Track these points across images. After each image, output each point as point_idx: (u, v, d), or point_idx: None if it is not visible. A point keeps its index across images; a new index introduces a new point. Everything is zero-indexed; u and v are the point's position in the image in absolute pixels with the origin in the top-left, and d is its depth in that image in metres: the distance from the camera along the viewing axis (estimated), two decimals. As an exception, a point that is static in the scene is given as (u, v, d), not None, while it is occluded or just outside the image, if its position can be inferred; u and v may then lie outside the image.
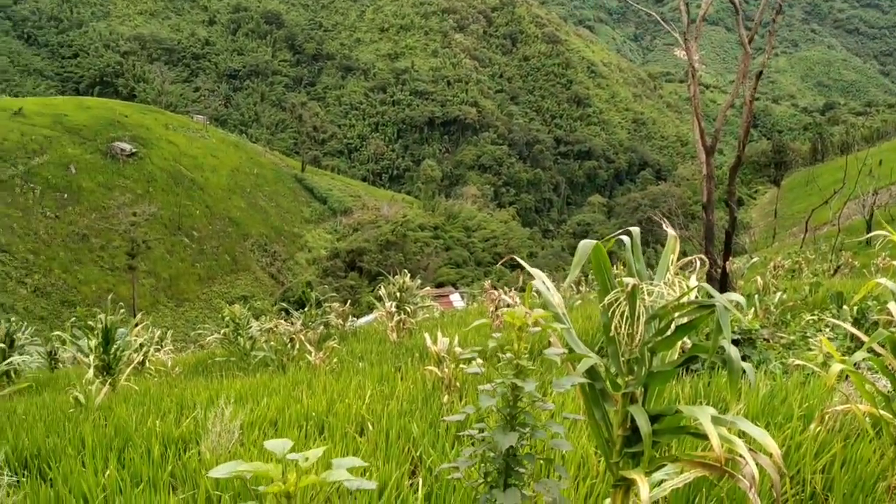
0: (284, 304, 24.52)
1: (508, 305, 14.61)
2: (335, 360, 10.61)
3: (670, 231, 3.33)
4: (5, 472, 4.22)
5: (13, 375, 13.10)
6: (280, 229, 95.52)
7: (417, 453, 5.04)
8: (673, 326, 2.77)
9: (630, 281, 2.74)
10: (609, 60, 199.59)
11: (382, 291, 15.10)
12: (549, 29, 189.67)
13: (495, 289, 17.41)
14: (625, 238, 3.07)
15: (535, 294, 3.13)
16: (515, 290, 18.62)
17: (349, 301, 20.99)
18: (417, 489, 4.20)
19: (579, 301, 18.55)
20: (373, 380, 8.12)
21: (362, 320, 24.55)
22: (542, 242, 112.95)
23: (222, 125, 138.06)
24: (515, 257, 3.40)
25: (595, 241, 2.93)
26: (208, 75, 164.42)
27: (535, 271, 3.16)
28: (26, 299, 64.30)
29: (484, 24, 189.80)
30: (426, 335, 7.71)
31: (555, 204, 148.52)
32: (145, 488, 4.51)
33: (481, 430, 2.68)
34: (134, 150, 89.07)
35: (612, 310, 2.82)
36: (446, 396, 6.64)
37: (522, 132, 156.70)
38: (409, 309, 14.27)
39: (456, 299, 40.83)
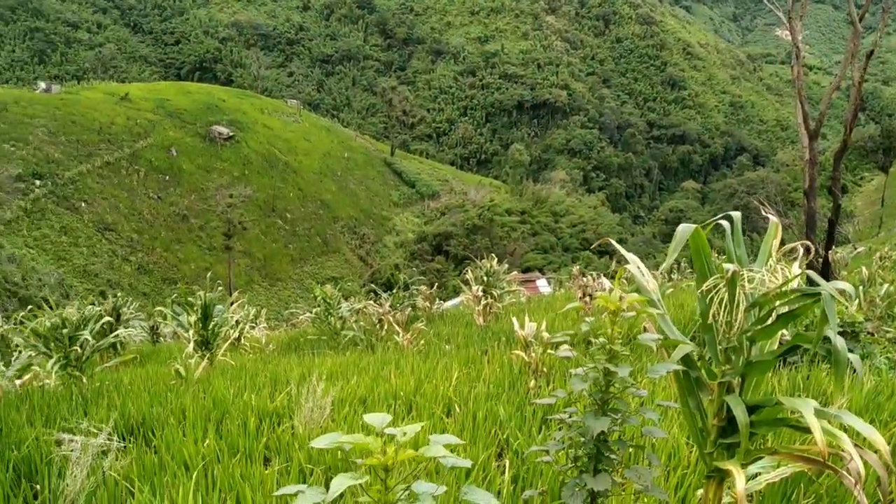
0: (373, 286, 24.93)
1: (596, 293, 14.41)
2: (422, 341, 10.73)
3: (772, 216, 3.21)
4: (115, 438, 4.47)
5: (119, 348, 13.84)
6: (369, 212, 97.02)
7: (504, 436, 5.06)
8: (774, 315, 2.67)
9: (730, 267, 2.65)
10: (706, 41, 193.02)
11: (469, 275, 15.14)
12: (643, 10, 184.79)
13: (583, 275, 17.21)
14: (724, 223, 2.98)
15: (624, 281, 3.08)
16: (605, 276, 18.35)
17: (435, 284, 21.16)
18: (504, 471, 4.22)
19: (671, 289, 18.14)
20: (459, 362, 8.17)
21: (448, 303, 24.73)
22: (633, 229, 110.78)
23: (315, 109, 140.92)
24: (610, 241, 3.35)
25: (694, 226, 2.85)
26: (302, 60, 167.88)
27: (629, 255, 3.10)
28: (131, 276, 67.61)
29: (576, 6, 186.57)
30: (513, 319, 7.70)
31: (646, 189, 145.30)
32: (241, 459, 4.69)
33: (571, 415, 2.66)
34: (231, 134, 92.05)
35: (710, 296, 2.74)
36: (533, 381, 6.62)
37: (614, 116, 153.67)
38: (495, 293, 14.27)
39: (542, 285, 40.53)
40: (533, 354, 6.86)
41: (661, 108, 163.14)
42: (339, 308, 13.45)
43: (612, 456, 2.63)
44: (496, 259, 15.41)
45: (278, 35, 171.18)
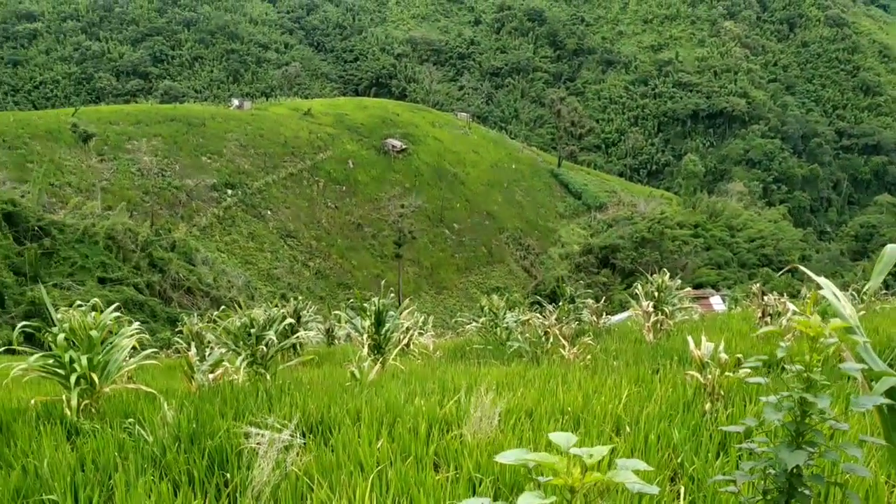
0: (537, 298, 24.85)
1: (779, 313, 13.55)
2: (589, 356, 10.54)
3: None
4: (297, 435, 4.72)
5: (299, 348, 14.67)
6: (534, 223, 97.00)
7: (678, 460, 4.84)
8: None
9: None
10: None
11: (639, 290, 14.69)
12: (833, 11, 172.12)
13: (763, 294, 16.22)
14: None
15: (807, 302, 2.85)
16: (787, 296, 17.20)
17: (603, 298, 20.75)
18: (679, 497, 4.04)
19: (862, 311, 16.68)
20: (629, 380, 7.94)
21: (615, 318, 24.15)
22: (817, 245, 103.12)
23: (484, 122, 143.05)
24: (800, 267, 3.11)
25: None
26: (472, 74, 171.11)
27: (822, 280, 2.87)
28: (309, 280, 71.65)
29: (757, 10, 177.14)
30: (688, 338, 7.38)
31: (833, 203, 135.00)
32: (412, 463, 4.80)
33: (762, 445, 2.49)
34: (404, 147, 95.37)
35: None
36: (709, 404, 6.31)
37: (798, 124, 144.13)
38: (666, 310, 13.76)
39: (716, 302, 38.69)
40: (709, 376, 6.54)
41: (852, 115, 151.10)
42: (505, 319, 13.51)
43: (806, 492, 2.44)
44: (667, 274, 14.86)
45: (450, 50, 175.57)
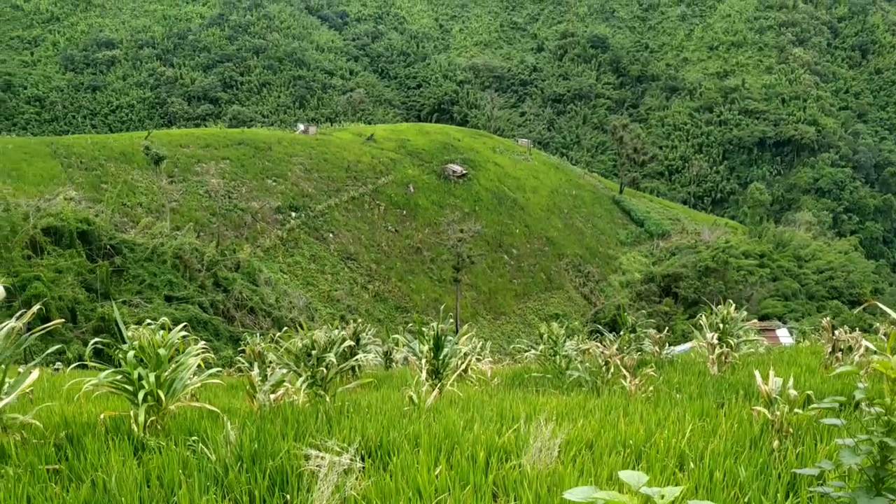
0: (597, 326, 24.52)
1: (850, 349, 13.07)
2: (651, 388, 10.32)
3: None
4: (357, 460, 4.74)
5: (357, 370, 14.77)
6: (595, 250, 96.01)
7: (745, 499, 4.69)
8: None
9: None
10: None
11: (703, 321, 14.36)
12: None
13: (834, 328, 15.65)
14: None
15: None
16: (859, 330, 16.56)
17: (665, 328, 20.36)
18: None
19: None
20: (692, 414, 7.75)
21: (678, 349, 23.62)
22: (891, 277, 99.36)
23: (545, 148, 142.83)
24: (879, 305, 3.00)
25: None
26: (534, 100, 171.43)
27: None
28: (368, 303, 72.23)
29: (828, 36, 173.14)
30: (756, 372, 7.17)
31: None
32: (471, 492, 4.76)
33: (837, 489, 2.39)
34: (464, 172, 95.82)
35: None
36: (777, 442, 6.10)
37: (870, 153, 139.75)
38: (731, 342, 13.41)
39: (783, 335, 37.52)
40: (777, 412, 6.34)
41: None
42: (565, 347, 13.35)
43: (886, 541, 2.32)
44: (732, 305, 14.49)
45: (512, 76, 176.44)
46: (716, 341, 13.11)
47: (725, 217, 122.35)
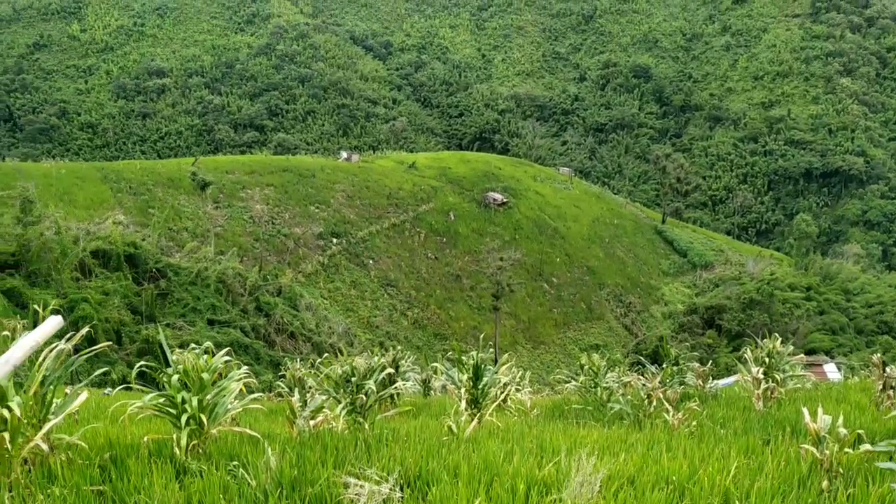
0: (639, 357, 24.19)
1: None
2: (694, 422, 10.12)
3: None
4: (396, 490, 4.72)
5: (396, 398, 14.75)
6: (636, 280, 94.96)
7: (794, 542, 4.55)
8: None
9: None
10: None
11: (748, 354, 14.06)
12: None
13: (885, 364, 15.20)
14: None
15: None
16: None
17: (709, 361, 19.98)
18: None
19: None
20: (737, 450, 7.57)
21: (722, 382, 23.14)
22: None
23: (586, 177, 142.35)
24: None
25: None
26: (576, 129, 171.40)
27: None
28: (407, 329, 72.31)
29: (877, 66, 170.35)
30: (803, 409, 6.99)
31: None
32: (510, 525, 4.71)
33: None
34: (505, 200, 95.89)
35: None
36: (826, 482, 5.92)
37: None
38: (777, 376, 13.09)
39: (830, 370, 36.49)
40: (827, 451, 6.15)
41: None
42: (606, 378, 13.18)
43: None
44: (779, 339, 14.18)
45: (554, 105, 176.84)
46: (761, 376, 12.82)
47: (770, 249, 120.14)
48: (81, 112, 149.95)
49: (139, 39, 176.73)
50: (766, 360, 13.34)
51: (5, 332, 6.29)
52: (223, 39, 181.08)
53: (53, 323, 5.86)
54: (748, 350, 14.10)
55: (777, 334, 14.55)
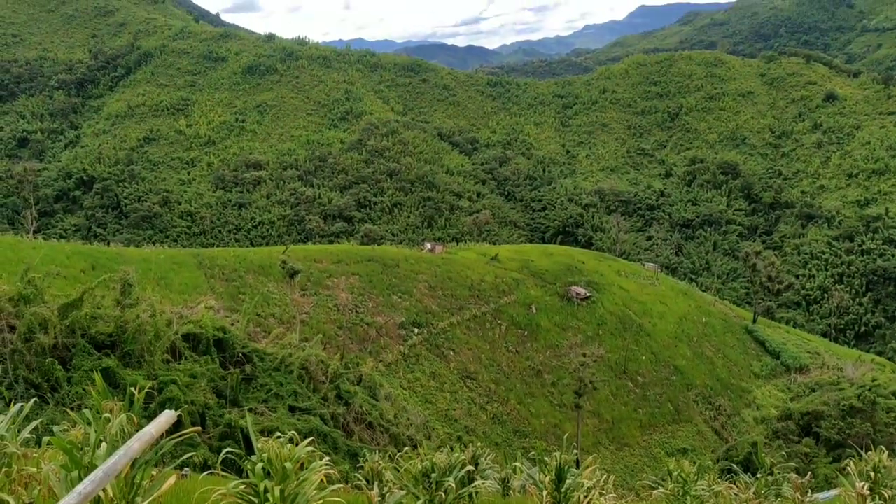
0: (730, 464, 22.97)
1: None
2: (794, 540, 9.45)
3: None
4: None
5: (474, 496, 14.39)
6: (726, 382, 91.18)
7: None
8: None
9: None
10: None
11: (851, 467, 13.16)
12: None
13: None
14: None
15: None
16: None
17: (807, 472, 18.77)
18: None
19: None
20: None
21: (821, 496, 21.65)
22: None
23: (672, 273, 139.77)
24: None
25: None
26: (661, 225, 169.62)
27: None
28: (486, 424, 71.05)
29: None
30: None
31: None
32: None
33: None
34: (588, 295, 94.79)
35: None
36: None
37: None
38: (885, 494, 12.16)
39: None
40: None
41: None
42: (696, 486, 12.54)
43: None
44: (885, 452, 13.24)
45: (639, 201, 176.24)
46: (867, 492, 11.94)
47: (871, 353, 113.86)
48: (182, 201, 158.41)
49: (240, 134, 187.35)
50: (872, 474, 12.45)
51: (106, 415, 6.53)
52: (318, 135, 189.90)
53: (167, 416, 6.05)
54: (851, 463, 13.22)
55: (883, 447, 13.60)
